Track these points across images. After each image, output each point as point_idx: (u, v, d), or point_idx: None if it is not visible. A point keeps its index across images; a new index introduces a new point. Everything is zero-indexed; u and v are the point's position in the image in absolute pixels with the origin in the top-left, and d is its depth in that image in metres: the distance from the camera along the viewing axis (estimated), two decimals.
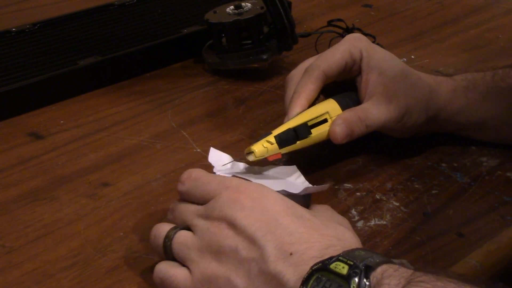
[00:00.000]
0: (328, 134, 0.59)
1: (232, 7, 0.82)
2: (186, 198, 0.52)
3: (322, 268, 0.41)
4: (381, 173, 0.64)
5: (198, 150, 0.68)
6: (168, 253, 0.49)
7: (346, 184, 0.62)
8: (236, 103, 0.77)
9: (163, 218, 0.58)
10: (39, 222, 0.58)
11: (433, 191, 0.61)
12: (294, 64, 0.67)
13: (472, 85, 0.64)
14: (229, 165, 0.58)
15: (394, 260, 0.43)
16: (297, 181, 0.59)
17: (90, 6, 0.95)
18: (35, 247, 0.55)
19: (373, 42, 0.88)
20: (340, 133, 0.59)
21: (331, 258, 0.42)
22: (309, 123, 0.59)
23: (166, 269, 0.48)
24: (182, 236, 0.49)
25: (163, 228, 0.50)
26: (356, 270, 0.40)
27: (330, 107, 0.61)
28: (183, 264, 0.48)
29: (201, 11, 0.86)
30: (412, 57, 0.86)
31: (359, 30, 0.91)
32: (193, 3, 0.96)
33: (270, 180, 0.56)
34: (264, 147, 0.56)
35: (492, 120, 0.65)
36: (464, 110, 0.64)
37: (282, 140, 0.57)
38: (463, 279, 0.39)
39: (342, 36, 0.89)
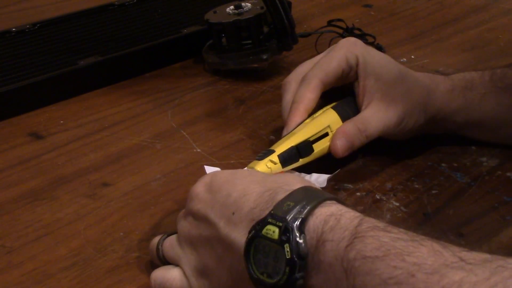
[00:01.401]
0: (329, 149, 0.60)
1: (232, 7, 0.82)
2: None
3: (256, 236, 0.41)
4: (381, 173, 0.64)
5: (198, 150, 0.68)
6: (161, 258, 0.51)
7: (346, 184, 0.62)
8: (236, 103, 0.77)
9: (163, 218, 0.58)
10: (39, 222, 0.58)
11: (433, 191, 0.61)
12: (294, 64, 0.67)
13: (470, 85, 0.64)
14: None
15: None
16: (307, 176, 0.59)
17: (90, 6, 0.95)
18: (35, 247, 0.55)
19: (373, 42, 0.88)
20: (340, 147, 0.59)
21: (262, 221, 0.41)
22: (311, 139, 0.59)
23: (162, 274, 0.49)
24: (169, 239, 0.51)
25: (155, 239, 0.52)
26: (288, 231, 0.39)
27: (331, 119, 0.61)
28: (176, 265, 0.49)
29: (201, 11, 0.87)
30: (412, 57, 0.86)
31: (359, 30, 0.91)
32: (193, 3, 0.96)
33: None
34: (268, 167, 0.57)
35: (490, 120, 0.65)
36: (462, 110, 0.64)
37: (285, 159, 0.58)
38: (415, 232, 0.38)
39: (342, 36, 0.89)
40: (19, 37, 0.87)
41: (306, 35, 0.91)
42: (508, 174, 0.63)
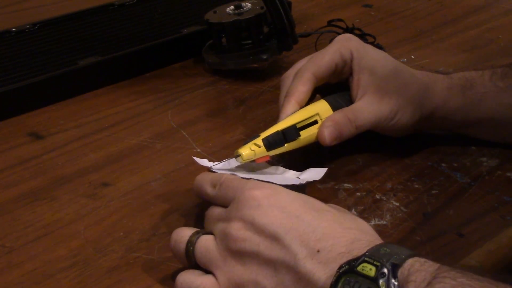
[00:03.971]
0: (317, 136, 0.59)
1: (232, 7, 0.82)
2: (215, 202, 0.52)
3: (349, 271, 0.41)
4: (381, 173, 0.64)
5: (198, 150, 0.68)
6: (190, 259, 0.48)
7: (346, 184, 0.62)
8: (236, 103, 0.77)
9: (163, 218, 0.58)
10: (39, 222, 0.58)
11: (433, 191, 0.61)
12: (294, 64, 0.67)
13: (469, 84, 0.64)
14: (225, 164, 0.58)
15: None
16: (287, 175, 0.59)
17: (90, 6, 0.95)
18: (35, 247, 0.55)
19: (373, 42, 0.88)
20: (328, 135, 0.59)
21: (357, 258, 0.41)
22: (299, 125, 0.59)
23: (191, 279, 0.47)
24: (204, 240, 0.48)
25: (184, 233, 0.49)
26: (384, 271, 0.40)
27: (321, 108, 0.61)
28: (206, 271, 0.48)
29: (201, 11, 0.86)
30: (412, 57, 0.86)
31: (359, 30, 0.91)
32: (193, 3, 0.96)
33: (267, 175, 0.57)
34: (251, 150, 0.57)
35: (490, 120, 0.65)
36: (461, 109, 0.64)
37: (270, 143, 0.57)
38: (489, 276, 0.39)
39: None
40: (19, 37, 0.87)
41: (306, 35, 0.91)
42: (508, 174, 0.63)
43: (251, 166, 0.58)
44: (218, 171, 0.57)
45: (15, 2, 1.05)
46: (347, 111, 0.60)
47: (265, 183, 0.50)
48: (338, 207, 0.51)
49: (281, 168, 0.59)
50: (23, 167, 0.66)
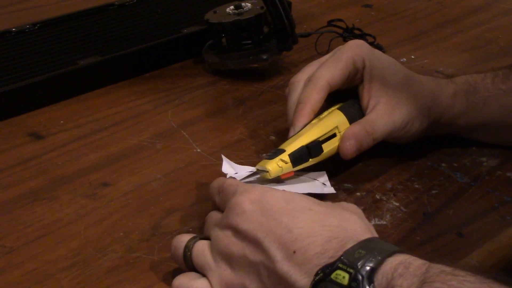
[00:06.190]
0: (338, 150, 0.60)
1: (232, 7, 0.82)
2: (220, 209, 0.53)
3: (323, 279, 0.41)
4: (381, 173, 0.64)
5: (198, 150, 0.68)
6: (188, 262, 0.50)
7: (346, 184, 0.62)
8: (236, 103, 0.77)
9: (163, 218, 0.58)
10: (39, 222, 0.58)
11: (433, 191, 0.61)
12: (294, 64, 0.67)
13: (473, 88, 0.64)
14: (250, 179, 0.58)
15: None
16: (314, 182, 0.59)
17: (90, 6, 0.95)
18: (35, 247, 0.55)
19: (373, 42, 0.88)
20: (349, 149, 0.59)
21: (332, 264, 0.41)
22: (320, 139, 0.59)
23: (186, 283, 0.48)
24: (200, 245, 0.50)
25: (183, 239, 0.51)
26: (358, 278, 0.40)
27: (338, 120, 0.61)
28: (202, 274, 0.49)
29: (201, 11, 0.86)
30: (412, 57, 0.86)
31: (359, 30, 0.91)
32: (193, 3, 0.96)
33: (294, 185, 0.57)
34: (279, 166, 0.57)
35: (493, 123, 0.65)
36: (465, 114, 0.64)
37: (296, 159, 0.58)
38: (483, 276, 0.38)
39: (342, 36, 0.89)
40: (19, 37, 0.87)
41: (306, 35, 0.91)
42: (508, 174, 0.63)
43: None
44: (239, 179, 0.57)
45: (15, 2, 1.05)
46: (365, 123, 0.61)
47: (256, 186, 0.51)
48: (329, 203, 0.50)
49: (309, 174, 0.59)
50: (23, 167, 0.66)
